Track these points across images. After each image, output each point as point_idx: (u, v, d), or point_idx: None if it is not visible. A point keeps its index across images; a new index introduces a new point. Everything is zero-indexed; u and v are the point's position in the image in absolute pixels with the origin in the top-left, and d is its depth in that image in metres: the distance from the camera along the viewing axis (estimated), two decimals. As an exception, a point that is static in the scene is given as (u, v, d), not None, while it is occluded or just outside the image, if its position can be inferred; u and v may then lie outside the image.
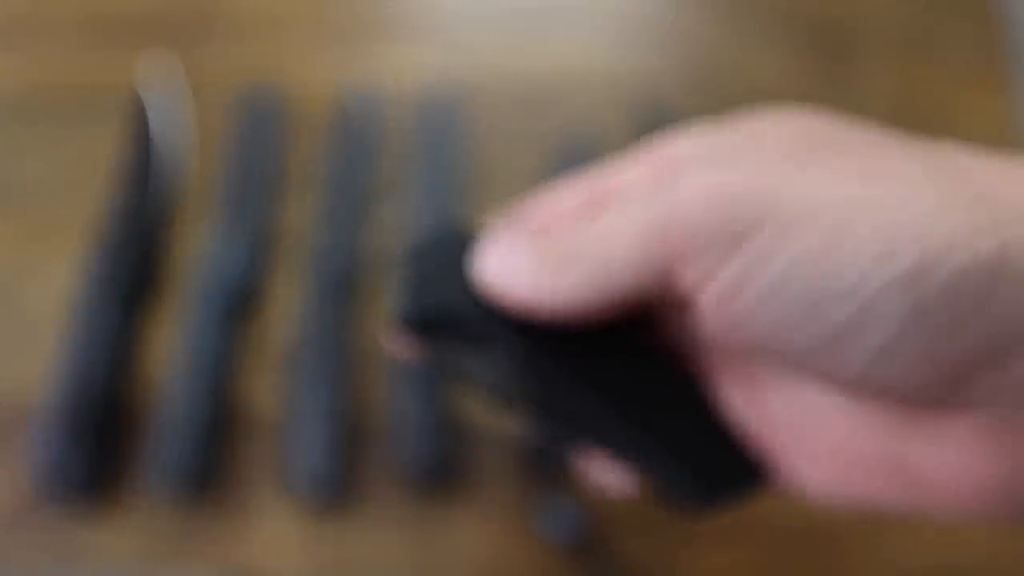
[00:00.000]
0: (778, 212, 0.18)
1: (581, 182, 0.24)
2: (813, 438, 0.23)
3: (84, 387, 0.46)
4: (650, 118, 0.54)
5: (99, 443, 0.45)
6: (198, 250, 0.51)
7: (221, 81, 0.57)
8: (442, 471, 0.44)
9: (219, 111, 0.56)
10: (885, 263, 0.17)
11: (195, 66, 0.58)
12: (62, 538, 0.44)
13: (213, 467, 0.45)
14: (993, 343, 0.17)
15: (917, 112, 0.55)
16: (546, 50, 0.58)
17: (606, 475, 0.28)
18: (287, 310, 0.49)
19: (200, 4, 0.60)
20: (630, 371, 0.24)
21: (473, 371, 0.26)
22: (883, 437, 0.22)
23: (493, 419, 0.46)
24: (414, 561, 0.43)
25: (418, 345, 0.25)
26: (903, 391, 0.19)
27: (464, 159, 0.53)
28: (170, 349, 0.48)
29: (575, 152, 0.53)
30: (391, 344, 0.24)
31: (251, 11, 0.60)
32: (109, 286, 0.49)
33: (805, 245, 0.18)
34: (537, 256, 0.21)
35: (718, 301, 0.20)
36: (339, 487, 0.44)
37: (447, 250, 0.24)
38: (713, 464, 0.24)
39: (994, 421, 0.20)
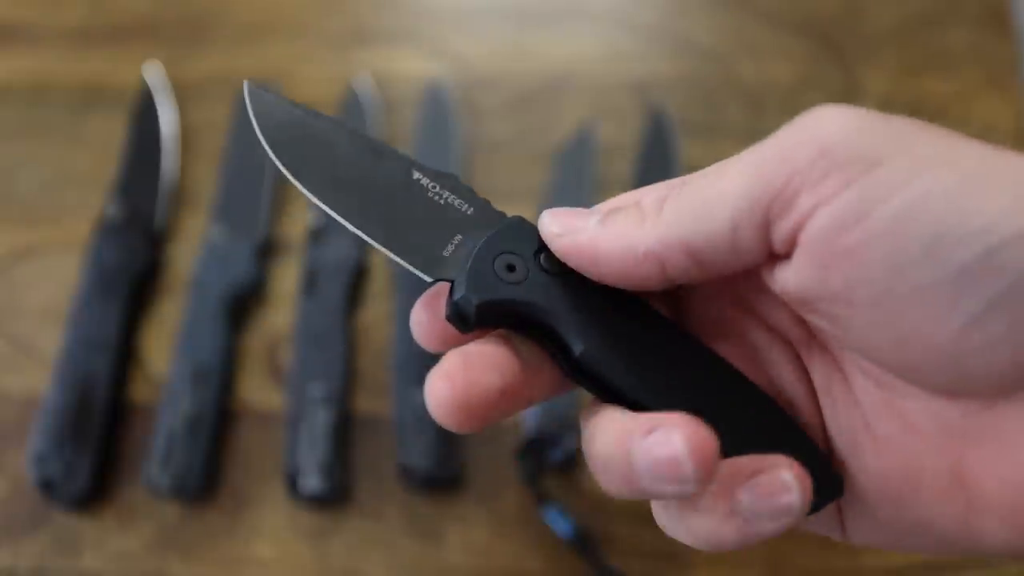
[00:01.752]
0: (912, 151, 0.18)
1: None
2: (871, 438, 0.22)
3: (84, 387, 0.46)
4: (650, 119, 0.54)
5: (99, 442, 0.45)
6: (198, 250, 0.51)
7: (221, 82, 0.57)
8: (443, 471, 0.44)
9: (220, 112, 0.56)
10: (1015, 217, 0.17)
11: (196, 67, 0.58)
12: (62, 537, 0.44)
13: (213, 466, 0.45)
14: None
15: (924, 118, 0.54)
16: (545, 54, 0.58)
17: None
18: (287, 310, 0.49)
19: (202, 7, 0.60)
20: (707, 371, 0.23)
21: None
22: (942, 440, 0.21)
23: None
24: (415, 560, 0.43)
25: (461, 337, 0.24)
26: (992, 365, 0.19)
27: (463, 160, 0.53)
28: (170, 348, 0.48)
29: (575, 153, 0.53)
30: (426, 332, 0.23)
31: (253, 14, 0.60)
32: (109, 285, 0.49)
33: (940, 182, 0.18)
34: (628, 205, 0.22)
35: (831, 229, 0.19)
36: (340, 486, 0.44)
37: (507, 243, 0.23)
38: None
39: None
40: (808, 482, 0.20)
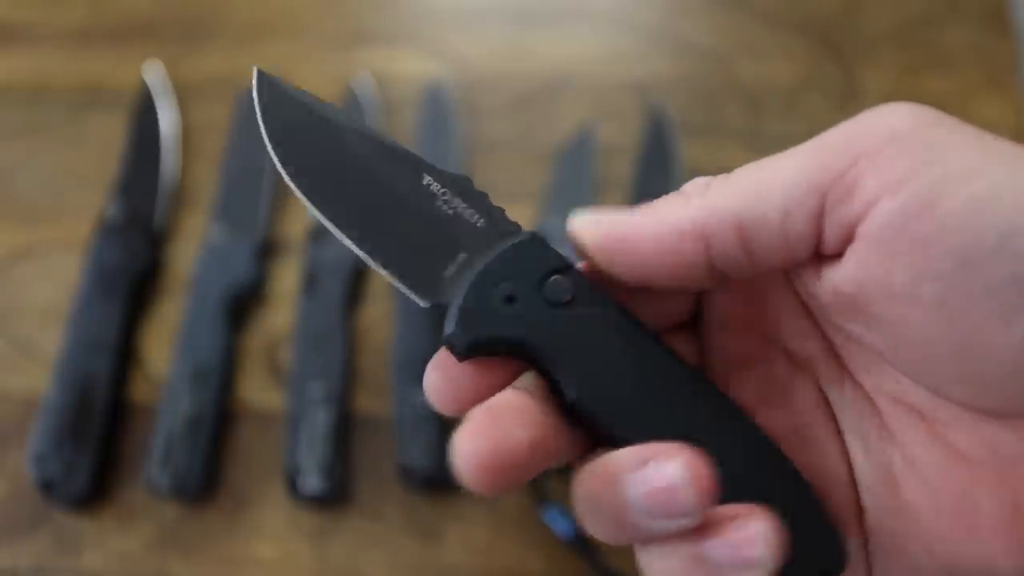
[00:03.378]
0: (982, 142, 0.17)
1: None
2: (913, 473, 0.20)
3: (84, 387, 0.46)
4: (650, 120, 0.54)
5: (99, 442, 0.45)
6: (198, 250, 0.51)
7: (221, 82, 0.57)
8: (443, 471, 0.44)
9: (220, 112, 0.56)
10: None
11: (196, 67, 0.58)
12: (62, 537, 0.44)
13: (213, 466, 0.45)
14: None
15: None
16: (545, 54, 0.58)
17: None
18: (287, 310, 0.49)
19: (202, 7, 0.60)
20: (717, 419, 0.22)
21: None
22: (1000, 466, 0.19)
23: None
24: (415, 560, 0.43)
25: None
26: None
27: (463, 160, 0.53)
28: (170, 348, 0.48)
29: (575, 154, 0.53)
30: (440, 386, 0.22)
31: (252, 14, 0.60)
32: (110, 285, 0.49)
33: (1016, 173, 0.17)
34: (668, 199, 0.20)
35: (900, 215, 0.17)
36: (341, 485, 0.44)
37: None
38: (804, 540, 0.20)
39: None
40: (781, 539, 0.18)
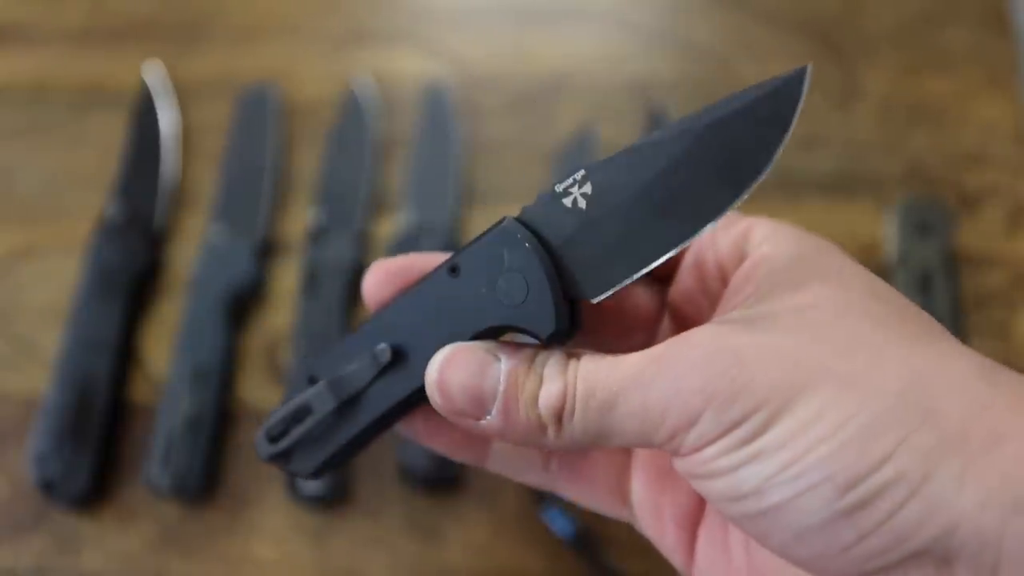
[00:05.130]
0: (764, 407, 0.21)
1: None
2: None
3: (84, 387, 0.46)
4: (650, 120, 0.54)
5: (99, 442, 0.45)
6: (198, 250, 0.51)
7: (221, 83, 0.57)
8: (443, 471, 0.44)
9: (220, 112, 0.56)
10: (822, 467, 0.20)
11: (196, 67, 0.58)
12: (62, 536, 0.44)
13: (213, 466, 0.45)
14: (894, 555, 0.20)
15: (924, 118, 0.54)
16: (545, 54, 0.58)
17: None
18: (287, 310, 0.49)
19: (202, 8, 0.60)
20: None
21: None
22: None
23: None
24: (415, 560, 0.43)
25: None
26: (823, 572, 0.22)
27: (463, 160, 0.53)
28: (170, 348, 0.48)
29: (575, 153, 0.53)
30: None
31: (252, 15, 0.60)
32: (109, 285, 0.49)
33: (774, 437, 0.21)
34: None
35: (693, 466, 0.22)
36: (341, 485, 0.44)
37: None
38: None
39: None
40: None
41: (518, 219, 0.25)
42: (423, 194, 0.52)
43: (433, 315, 0.25)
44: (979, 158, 0.53)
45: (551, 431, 0.23)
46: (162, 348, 0.48)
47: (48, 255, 0.52)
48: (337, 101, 0.55)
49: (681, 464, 0.23)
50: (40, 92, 0.58)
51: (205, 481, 0.44)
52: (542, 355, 0.24)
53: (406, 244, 0.49)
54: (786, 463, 0.20)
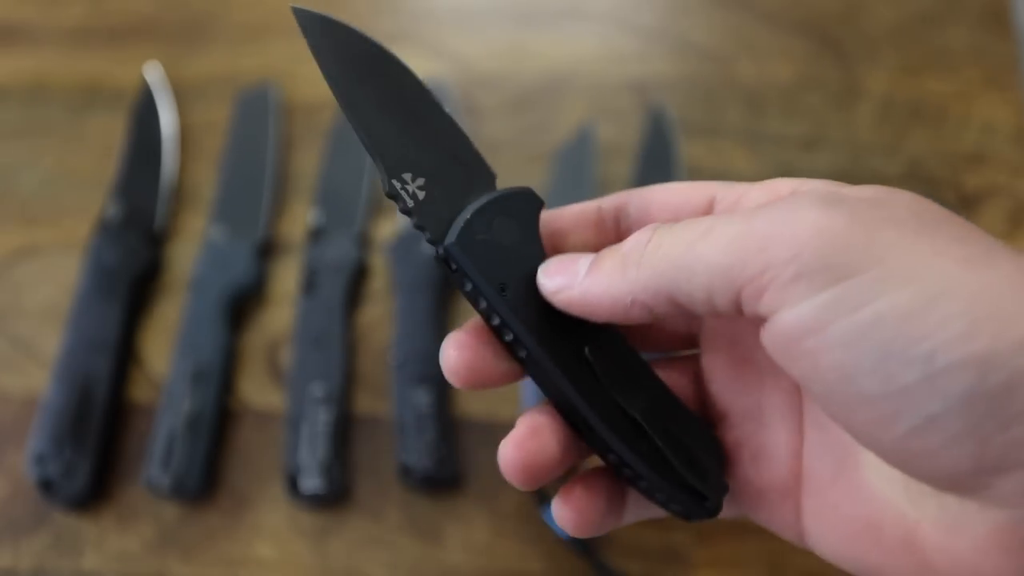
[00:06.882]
0: (880, 266, 0.19)
1: (700, 188, 0.26)
2: (833, 488, 0.24)
3: (84, 387, 0.46)
4: (650, 119, 0.54)
5: (99, 442, 0.45)
6: (198, 250, 0.51)
7: (221, 83, 0.57)
8: (443, 471, 0.44)
9: (220, 112, 0.56)
10: (959, 344, 0.18)
11: (196, 67, 0.58)
12: (62, 536, 0.44)
13: (213, 466, 0.45)
14: None
15: (924, 118, 0.55)
16: (545, 54, 0.58)
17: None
18: (287, 310, 0.49)
19: (202, 7, 0.60)
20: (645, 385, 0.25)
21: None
22: (903, 507, 0.22)
23: (493, 419, 0.46)
24: (415, 560, 0.43)
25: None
26: (934, 468, 0.20)
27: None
28: (170, 348, 0.48)
29: (575, 153, 0.53)
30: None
31: (252, 14, 0.60)
32: (110, 285, 0.49)
33: (896, 304, 0.19)
34: (614, 255, 0.23)
35: (791, 329, 0.20)
36: (341, 485, 0.44)
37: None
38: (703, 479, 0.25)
39: (1016, 524, 0.20)
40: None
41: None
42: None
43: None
44: (979, 158, 0.53)
45: (632, 268, 0.23)
46: (162, 348, 0.48)
47: (48, 255, 0.52)
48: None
49: (782, 332, 0.20)
50: (39, 92, 0.58)
51: (205, 481, 0.44)
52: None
53: (406, 244, 0.49)
54: (914, 337, 0.18)
